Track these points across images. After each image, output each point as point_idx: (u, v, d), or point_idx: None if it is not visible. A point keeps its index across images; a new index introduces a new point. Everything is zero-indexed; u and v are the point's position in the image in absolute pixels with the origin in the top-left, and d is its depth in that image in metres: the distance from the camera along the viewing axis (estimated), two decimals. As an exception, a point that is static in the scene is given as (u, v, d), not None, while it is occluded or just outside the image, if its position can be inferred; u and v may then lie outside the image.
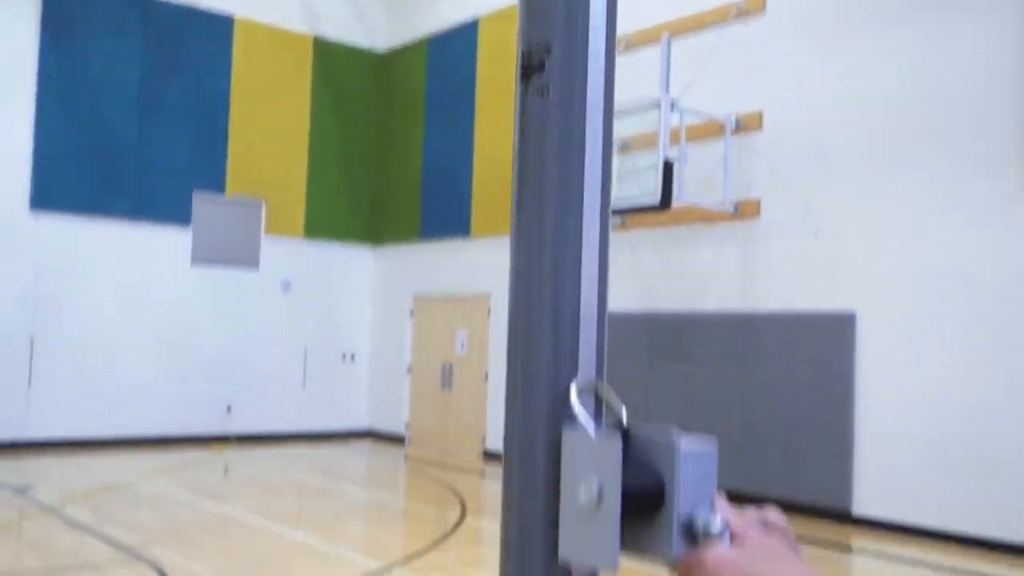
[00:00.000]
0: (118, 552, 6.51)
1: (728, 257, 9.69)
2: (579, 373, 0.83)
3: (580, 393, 0.82)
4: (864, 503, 8.39)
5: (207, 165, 12.95)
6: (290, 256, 13.70)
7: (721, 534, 0.78)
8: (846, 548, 7.68)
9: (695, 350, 9.85)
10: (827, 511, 8.60)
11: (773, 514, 0.84)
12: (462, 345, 13.06)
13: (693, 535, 0.78)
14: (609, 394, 0.83)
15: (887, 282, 8.36)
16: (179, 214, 12.65)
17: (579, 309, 0.84)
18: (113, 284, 12.12)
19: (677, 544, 0.78)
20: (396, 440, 13.89)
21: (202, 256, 12.90)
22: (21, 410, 11.44)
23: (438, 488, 9.98)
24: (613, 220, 10.39)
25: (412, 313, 13.95)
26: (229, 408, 13.00)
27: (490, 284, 12.38)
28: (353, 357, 14.33)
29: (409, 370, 13.89)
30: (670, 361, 10.07)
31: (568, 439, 0.80)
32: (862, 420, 8.46)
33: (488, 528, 7.87)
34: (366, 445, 13.69)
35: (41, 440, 11.52)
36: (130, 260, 12.26)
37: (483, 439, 12.56)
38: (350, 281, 14.38)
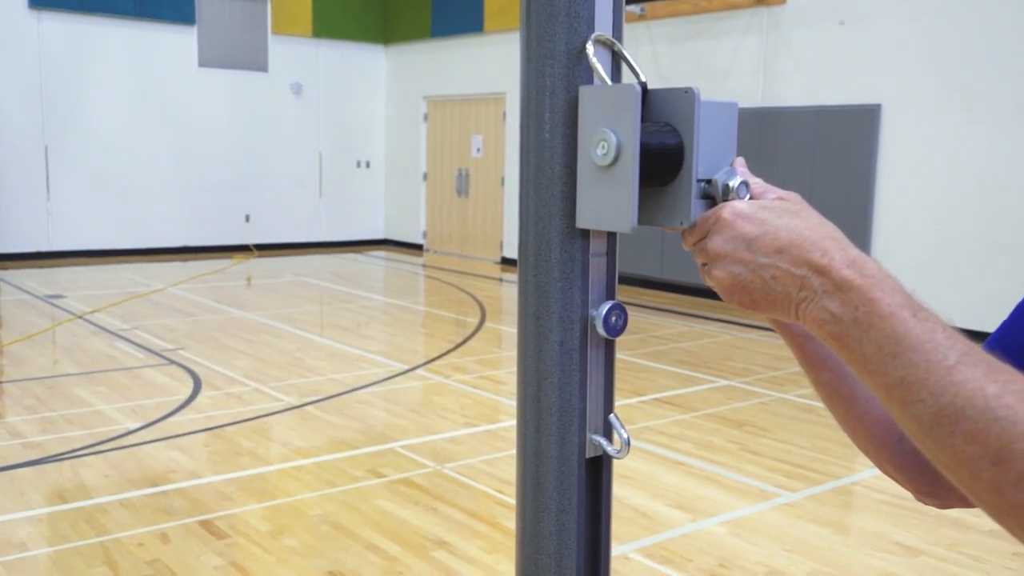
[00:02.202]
0: (149, 355, 6.72)
1: (750, 48, 9.34)
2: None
3: (596, 47, 0.76)
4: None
5: (207, -36, 12.38)
6: (299, 58, 13.33)
7: (739, 191, 0.73)
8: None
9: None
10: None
11: (793, 195, 0.79)
12: (478, 150, 12.90)
13: (712, 198, 0.74)
14: (624, 52, 0.77)
15: (914, 73, 8.07)
16: (183, 12, 12.22)
17: None
18: (122, 89, 11.90)
19: (695, 206, 0.74)
20: (414, 248, 14.01)
21: (209, 58, 12.58)
22: (43, 221, 11.55)
23: (457, 294, 10.15)
24: (632, 9, 9.96)
25: (426, 117, 13.69)
26: (248, 218, 13.07)
27: (505, 83, 12.06)
28: (368, 164, 14.23)
29: (425, 177, 13.81)
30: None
31: (585, 93, 0.76)
32: (881, 217, 8.41)
33: (507, 332, 8.04)
34: (383, 253, 13.84)
35: (66, 251, 11.70)
36: (137, 63, 11.98)
37: (500, 245, 12.64)
38: (362, 84, 14.04)
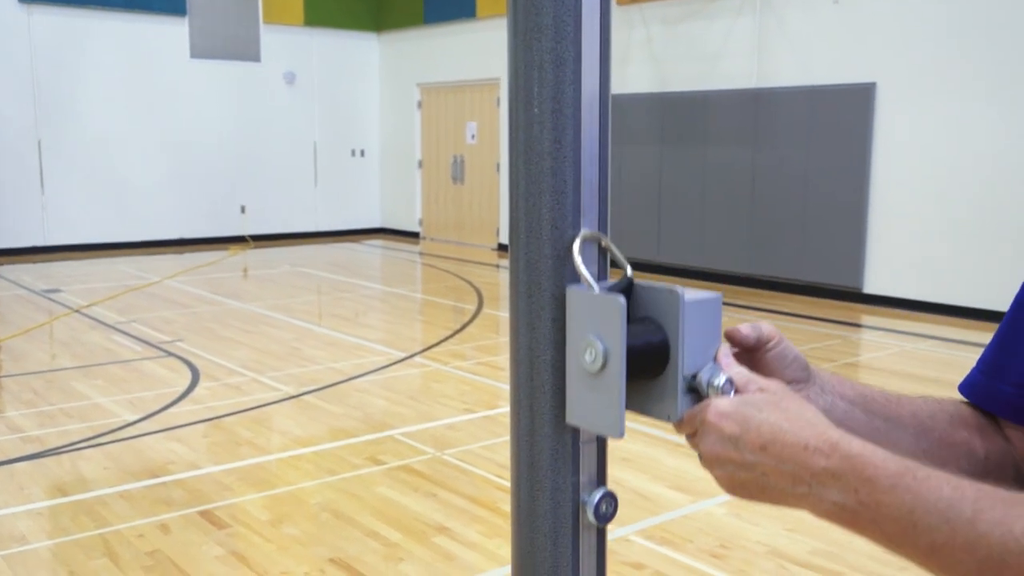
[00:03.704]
0: (147, 348, 6.71)
1: (743, 29, 9.30)
2: (582, 226, 0.78)
3: (583, 246, 0.77)
4: (875, 282, 8.48)
5: (196, -46, 12.31)
6: (291, 47, 13.27)
7: (724, 389, 0.75)
8: (856, 325, 7.84)
9: (708, 131, 9.66)
10: (839, 291, 8.72)
11: (766, 326, 0.81)
12: (472, 136, 12.86)
13: (698, 392, 0.76)
14: (612, 247, 0.79)
15: (908, 51, 8.04)
16: (174, 3, 12.16)
17: (580, 158, 0.78)
18: (114, 82, 11.85)
19: (682, 402, 0.76)
20: (410, 236, 13.99)
21: (201, 49, 12.52)
22: (38, 216, 11.52)
23: (454, 281, 10.14)
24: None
25: (420, 104, 13.65)
26: (243, 209, 13.04)
27: (499, 69, 12.02)
28: (363, 153, 14.19)
29: (420, 164, 13.78)
30: (683, 143, 9.91)
31: (572, 298, 0.76)
32: (876, 197, 8.40)
33: (505, 318, 8.04)
34: (380, 242, 13.82)
35: (61, 245, 11.67)
36: (128, 55, 11.93)
37: (497, 231, 12.62)
38: (355, 72, 13.99)
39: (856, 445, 0.67)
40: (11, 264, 10.90)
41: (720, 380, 0.75)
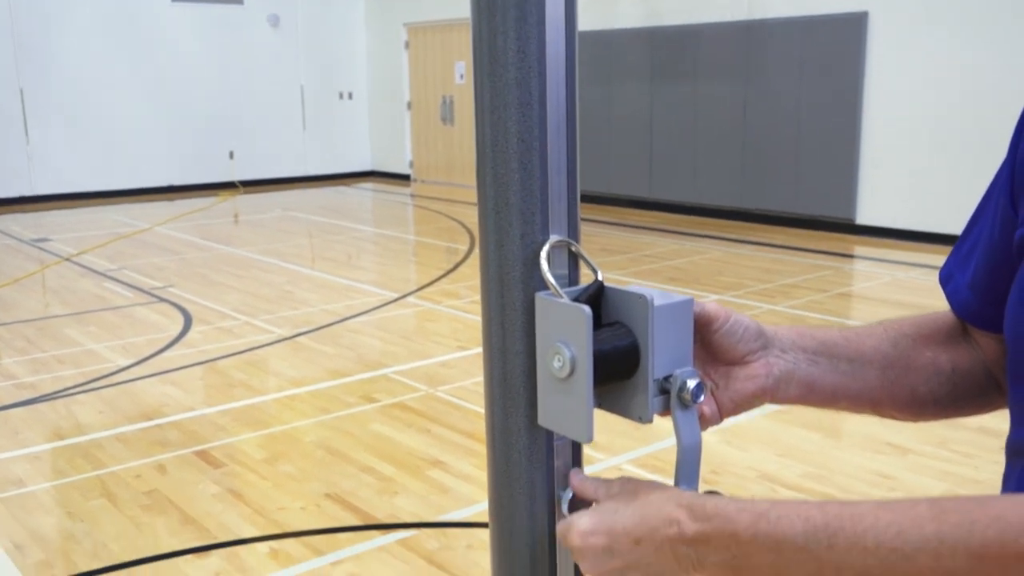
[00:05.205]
0: (138, 294, 6.70)
1: (736, -36, 9.13)
2: (551, 233, 0.78)
3: (552, 252, 0.78)
4: (868, 212, 8.47)
5: None
6: (274, -11, 13.01)
7: (695, 394, 0.76)
8: (849, 256, 7.84)
9: (699, 65, 9.54)
10: (831, 222, 8.70)
11: (711, 306, 0.82)
12: (461, 76, 12.70)
13: (670, 393, 0.77)
14: (582, 253, 0.79)
15: (904, -19, 7.90)
16: (150, -52, 11.90)
17: (547, 166, 0.78)
18: (95, 27, 11.64)
19: (652, 404, 0.76)
20: (401, 179, 13.90)
21: (181, -6, 12.27)
22: (25, 165, 11.40)
23: (446, 222, 10.10)
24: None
25: (407, 44, 13.44)
26: (232, 154, 12.92)
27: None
28: (351, 95, 14.01)
29: (409, 106, 13.62)
30: (673, 78, 9.79)
31: (540, 305, 0.77)
32: (868, 128, 8.34)
33: (497, 255, 8.02)
34: (371, 185, 13.73)
35: (49, 194, 11.57)
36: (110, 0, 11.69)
37: (488, 171, 12.52)
38: (340, 13, 13.74)
39: (710, 505, 0.69)
40: (-1, 215, 10.82)
41: (693, 383, 0.76)
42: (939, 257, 7.45)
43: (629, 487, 0.76)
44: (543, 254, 0.77)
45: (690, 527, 0.69)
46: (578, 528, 0.75)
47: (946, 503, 0.61)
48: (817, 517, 0.65)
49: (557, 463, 0.82)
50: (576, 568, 0.85)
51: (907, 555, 0.60)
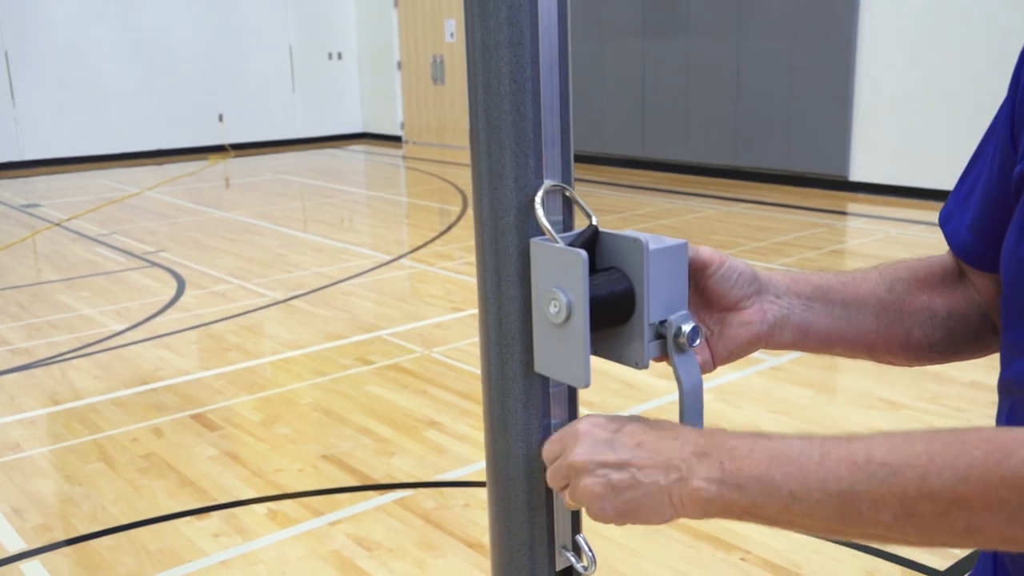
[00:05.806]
0: (130, 259, 6.68)
1: (729, -82, 9.00)
2: (545, 178, 0.77)
3: (547, 197, 0.77)
4: (861, 169, 8.45)
5: None
6: (260, -52, 12.81)
7: (692, 340, 0.76)
8: (842, 213, 7.84)
9: (691, 21, 9.45)
10: (825, 180, 8.69)
11: (705, 251, 0.83)
12: (451, 34, 12.56)
13: (666, 339, 0.77)
14: (577, 198, 0.79)
15: (899, -66, 7.81)
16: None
17: (540, 110, 0.76)
18: (77, -9, 11.46)
19: (648, 348, 0.77)
20: (392, 140, 13.80)
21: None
22: (12, 130, 11.29)
23: (438, 183, 10.06)
24: None
25: (396, 3, 13.28)
26: (221, 117, 12.80)
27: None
28: (340, 56, 13.87)
29: (399, 66, 13.49)
30: (666, 34, 9.70)
31: (535, 251, 0.76)
32: (861, 84, 8.29)
33: (490, 216, 8.00)
34: (362, 147, 13.64)
35: (38, 160, 11.48)
36: (90, -37, 11.50)
37: (480, 131, 12.44)
38: (328, -27, 13.55)
39: (716, 430, 0.72)
40: (-12, 181, 10.73)
41: (689, 326, 0.76)
42: (932, 214, 7.45)
43: (643, 418, 0.78)
44: (538, 199, 0.76)
45: (691, 440, 0.71)
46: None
47: (943, 429, 0.62)
48: (816, 438, 0.66)
49: (554, 418, 0.83)
50: (574, 516, 0.85)
51: (895, 470, 0.61)
